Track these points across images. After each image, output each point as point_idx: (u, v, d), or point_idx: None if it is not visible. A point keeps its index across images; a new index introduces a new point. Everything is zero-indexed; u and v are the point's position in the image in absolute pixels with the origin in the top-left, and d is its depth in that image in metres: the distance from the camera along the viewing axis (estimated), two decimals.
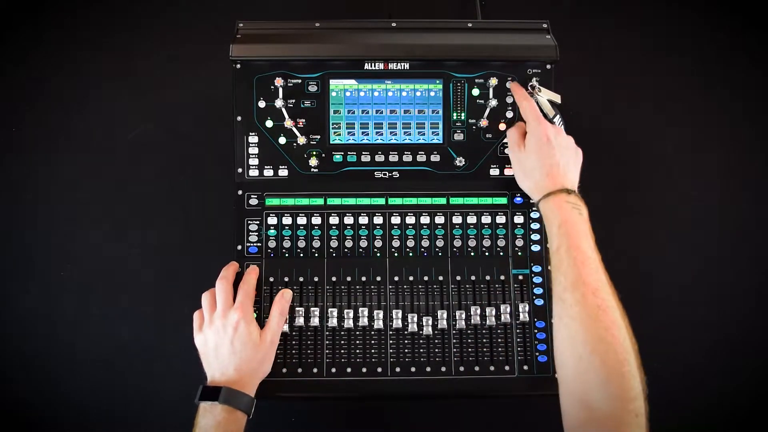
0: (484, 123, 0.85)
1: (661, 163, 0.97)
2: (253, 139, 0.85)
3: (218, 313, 0.77)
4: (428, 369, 0.80)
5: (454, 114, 0.86)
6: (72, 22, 1.03)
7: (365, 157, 0.85)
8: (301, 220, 0.84)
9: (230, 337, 0.75)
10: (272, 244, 0.84)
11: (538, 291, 0.83)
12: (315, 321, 0.81)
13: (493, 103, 0.84)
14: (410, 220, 0.85)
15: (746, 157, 0.97)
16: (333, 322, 0.81)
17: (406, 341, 0.80)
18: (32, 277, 0.91)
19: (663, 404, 0.87)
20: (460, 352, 0.80)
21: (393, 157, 0.85)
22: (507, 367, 0.80)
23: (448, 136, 0.85)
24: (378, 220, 0.85)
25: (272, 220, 0.84)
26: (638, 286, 0.91)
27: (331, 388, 0.79)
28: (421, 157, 0.85)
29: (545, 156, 0.78)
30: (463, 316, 0.81)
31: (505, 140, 0.86)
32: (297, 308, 0.81)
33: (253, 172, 0.85)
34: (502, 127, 0.86)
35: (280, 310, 0.79)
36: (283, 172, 0.85)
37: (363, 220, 0.85)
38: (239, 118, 0.85)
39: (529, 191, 0.81)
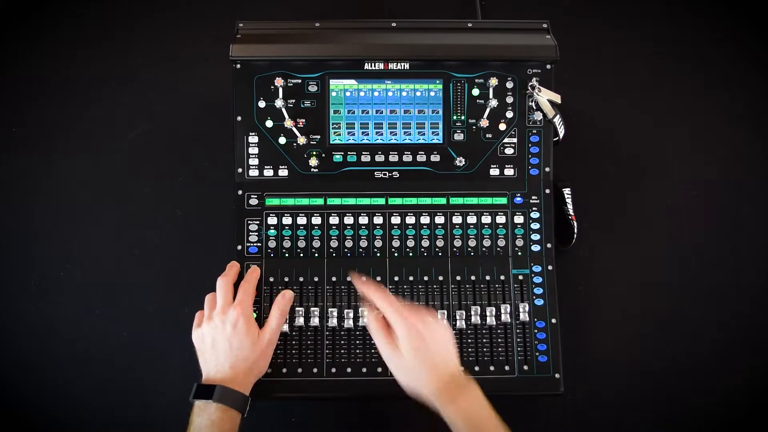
0: (484, 123, 0.85)
1: (660, 163, 0.97)
2: (253, 139, 0.85)
3: (217, 310, 0.77)
4: None
5: (454, 114, 0.85)
6: (72, 22, 1.03)
7: (365, 157, 0.85)
8: (301, 220, 0.84)
9: (228, 335, 0.75)
10: (272, 244, 0.84)
11: (538, 291, 0.83)
12: (315, 321, 0.81)
13: (493, 103, 0.84)
14: (410, 220, 0.85)
15: (746, 157, 0.97)
16: (333, 322, 0.81)
17: None
18: (32, 277, 0.91)
19: (663, 404, 0.88)
20: (460, 352, 0.80)
21: (393, 157, 0.85)
22: (507, 367, 0.80)
23: (448, 136, 0.85)
24: (378, 220, 0.85)
25: (272, 220, 0.84)
26: (638, 285, 0.91)
27: (331, 388, 0.79)
28: (421, 157, 0.85)
29: (424, 356, 0.70)
30: (463, 316, 0.81)
31: (505, 140, 0.86)
32: (297, 308, 0.81)
33: (253, 172, 0.85)
34: (502, 127, 0.85)
35: (280, 310, 0.79)
36: (283, 172, 0.85)
37: (363, 220, 0.85)
38: (239, 118, 0.85)
39: (420, 394, 0.71)
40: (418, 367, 0.70)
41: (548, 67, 0.85)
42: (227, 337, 0.74)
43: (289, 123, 0.84)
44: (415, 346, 0.70)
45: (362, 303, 0.79)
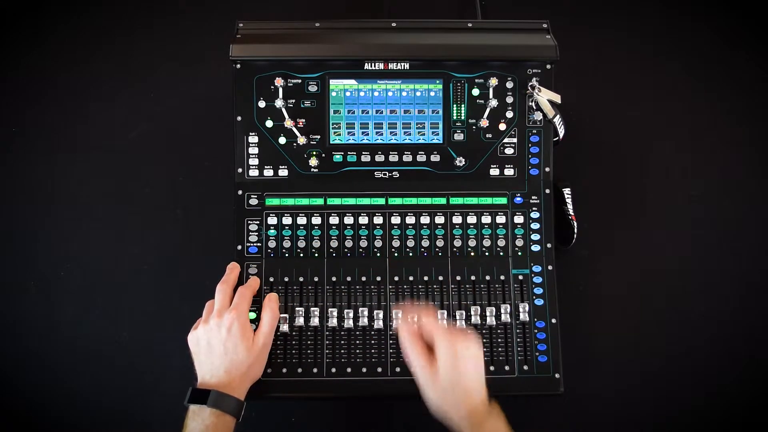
0: (484, 123, 0.85)
1: (660, 163, 0.97)
2: (253, 139, 0.85)
3: (214, 314, 0.77)
4: None
5: (454, 114, 0.86)
6: (72, 22, 1.03)
7: (365, 157, 0.85)
8: (301, 220, 0.84)
9: (223, 338, 0.74)
10: (272, 244, 0.84)
11: (538, 291, 0.83)
12: (315, 321, 0.81)
13: (493, 103, 0.84)
14: (410, 220, 0.85)
15: (746, 157, 0.97)
16: (333, 322, 0.81)
17: None
18: (32, 277, 0.91)
19: (663, 404, 0.88)
20: None
21: (393, 157, 0.85)
22: (507, 367, 0.80)
23: (448, 136, 0.85)
24: (378, 220, 0.85)
25: (272, 220, 0.84)
26: (638, 285, 0.91)
27: (331, 388, 0.79)
28: (421, 157, 0.85)
29: (460, 378, 0.68)
30: (463, 316, 0.81)
31: (505, 140, 0.86)
32: (297, 308, 0.81)
33: (253, 172, 0.85)
34: (502, 127, 0.85)
35: (272, 313, 0.79)
36: (283, 172, 0.85)
37: (363, 220, 0.85)
38: (239, 118, 0.85)
39: (448, 416, 0.69)
40: (452, 389, 0.68)
41: (548, 67, 0.85)
42: (222, 341, 0.74)
43: (289, 123, 0.84)
44: (454, 368, 0.68)
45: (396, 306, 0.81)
